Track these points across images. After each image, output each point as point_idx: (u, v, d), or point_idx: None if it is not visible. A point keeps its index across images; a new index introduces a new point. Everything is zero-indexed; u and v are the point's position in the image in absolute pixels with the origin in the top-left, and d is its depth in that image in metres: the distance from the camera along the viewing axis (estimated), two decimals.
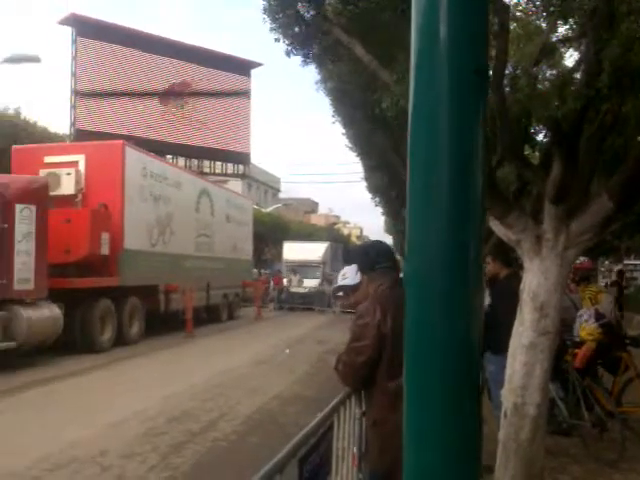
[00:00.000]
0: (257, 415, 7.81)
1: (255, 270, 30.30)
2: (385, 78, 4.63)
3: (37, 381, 9.80)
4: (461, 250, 1.26)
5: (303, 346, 14.73)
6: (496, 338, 4.26)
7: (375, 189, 13.14)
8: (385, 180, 10.68)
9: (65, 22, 23.85)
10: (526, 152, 4.87)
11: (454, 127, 1.24)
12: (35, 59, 18.56)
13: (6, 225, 10.77)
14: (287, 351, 13.20)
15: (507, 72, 4.09)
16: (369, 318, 3.00)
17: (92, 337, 13.20)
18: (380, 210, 17.68)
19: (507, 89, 4.04)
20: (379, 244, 3.57)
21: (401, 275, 3.23)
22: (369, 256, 3.26)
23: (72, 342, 12.88)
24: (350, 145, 10.04)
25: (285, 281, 29.55)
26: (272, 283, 29.92)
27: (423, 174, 1.27)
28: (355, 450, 3.12)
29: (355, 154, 10.71)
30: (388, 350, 2.96)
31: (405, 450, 1.33)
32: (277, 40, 11.63)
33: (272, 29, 10.18)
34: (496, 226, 3.93)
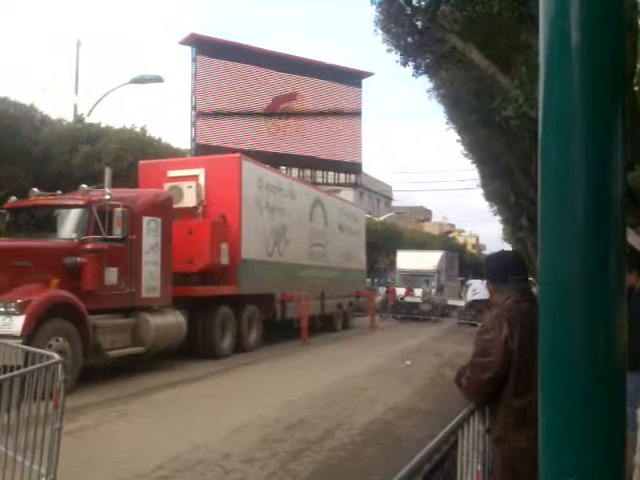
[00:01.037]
0: (374, 426, 7.78)
1: (368, 279, 30.25)
2: (504, 83, 4.49)
3: (164, 385, 10.33)
4: (601, 262, 1.19)
5: (419, 357, 14.52)
6: (631, 354, 3.97)
7: (492, 196, 12.79)
8: (503, 187, 10.36)
9: (185, 42, 25.17)
10: None
11: (590, 133, 1.18)
12: (158, 79, 19.76)
13: (134, 236, 11.43)
14: (408, 362, 13.04)
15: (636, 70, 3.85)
16: (495, 333, 2.89)
17: (213, 343, 13.74)
18: (497, 218, 17.18)
19: (636, 88, 3.80)
20: (510, 254, 3.44)
21: (534, 290, 3.10)
22: (500, 267, 3.14)
23: (194, 348, 13.48)
24: (465, 152, 9.83)
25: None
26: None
27: (556, 183, 1.22)
28: (479, 468, 3.01)
29: (471, 161, 10.48)
30: (515, 367, 2.83)
31: (542, 473, 1.26)
32: (389, 51, 11.57)
33: (385, 40, 10.17)
34: (630, 235, 3.68)
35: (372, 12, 11.00)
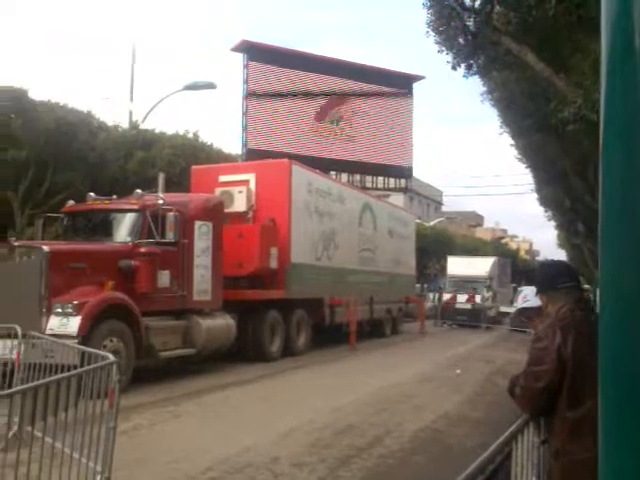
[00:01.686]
0: (423, 434, 7.68)
1: (418, 285, 29.92)
2: (560, 85, 4.38)
3: (214, 387, 10.47)
4: None
5: (469, 365, 14.29)
6: None
7: (547, 201, 12.50)
8: (558, 192, 10.12)
9: (237, 49, 25.55)
10: None
11: None
12: (211, 86, 20.09)
13: (186, 240, 11.62)
14: (458, 371, 12.85)
15: None
16: (548, 341, 2.82)
17: (263, 347, 13.85)
18: (552, 223, 16.79)
19: None
20: (560, 263, 3.38)
21: (591, 297, 3.03)
22: (549, 275, 3.08)
23: (244, 351, 13.61)
24: (519, 157, 9.64)
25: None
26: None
27: (619, 191, 1.17)
28: None
29: (525, 165, 10.27)
30: (568, 377, 2.76)
31: None
32: (440, 52, 11.44)
33: (436, 42, 10.06)
34: None
35: (425, 14, 10.94)
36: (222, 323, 12.46)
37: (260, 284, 14.26)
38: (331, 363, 14.32)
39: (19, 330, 6.95)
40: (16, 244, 10.11)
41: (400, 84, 28.23)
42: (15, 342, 6.92)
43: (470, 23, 10.28)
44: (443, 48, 11.12)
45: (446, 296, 28.92)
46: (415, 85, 28.90)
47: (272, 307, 14.24)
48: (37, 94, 16.30)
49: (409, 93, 28.59)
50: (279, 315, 14.49)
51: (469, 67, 11.09)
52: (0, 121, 14.55)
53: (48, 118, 15.16)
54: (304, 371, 12.96)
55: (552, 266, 3.30)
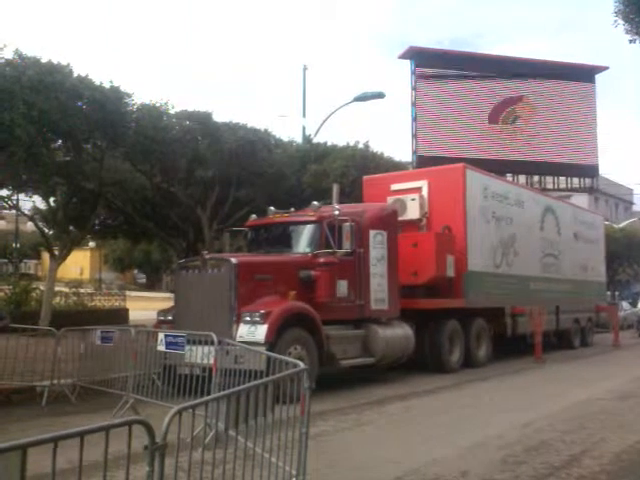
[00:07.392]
0: (627, 455, 6.93)
1: (608, 292, 27.67)
2: None
3: (394, 396, 10.39)
4: None
5: None
6: None
7: None
8: None
9: (404, 56, 25.55)
10: None
11: None
12: (380, 95, 20.27)
13: (362, 250, 11.71)
14: None
15: None
16: None
17: (441, 357, 13.54)
18: None
19: None
20: None
21: None
22: None
23: (422, 361, 13.40)
24: None
25: None
26: None
27: None
28: None
29: None
30: None
31: None
32: (632, 41, 10.59)
33: (627, 31, 9.34)
34: None
35: (612, 3, 10.21)
36: (400, 332, 12.36)
37: (436, 293, 13.98)
38: (515, 375, 13.63)
39: (215, 338, 7.37)
40: (207, 257, 10.82)
41: (581, 77, 26.39)
42: (211, 349, 7.35)
43: None
44: (635, 36, 10.23)
45: (625, 305, 26.52)
46: (598, 77, 26.86)
47: (450, 316, 13.89)
48: (219, 116, 17.41)
49: (591, 85, 26.60)
50: (458, 325, 14.09)
51: None
52: (190, 144, 15.76)
53: (230, 138, 16.15)
54: (487, 383, 12.44)
55: None
